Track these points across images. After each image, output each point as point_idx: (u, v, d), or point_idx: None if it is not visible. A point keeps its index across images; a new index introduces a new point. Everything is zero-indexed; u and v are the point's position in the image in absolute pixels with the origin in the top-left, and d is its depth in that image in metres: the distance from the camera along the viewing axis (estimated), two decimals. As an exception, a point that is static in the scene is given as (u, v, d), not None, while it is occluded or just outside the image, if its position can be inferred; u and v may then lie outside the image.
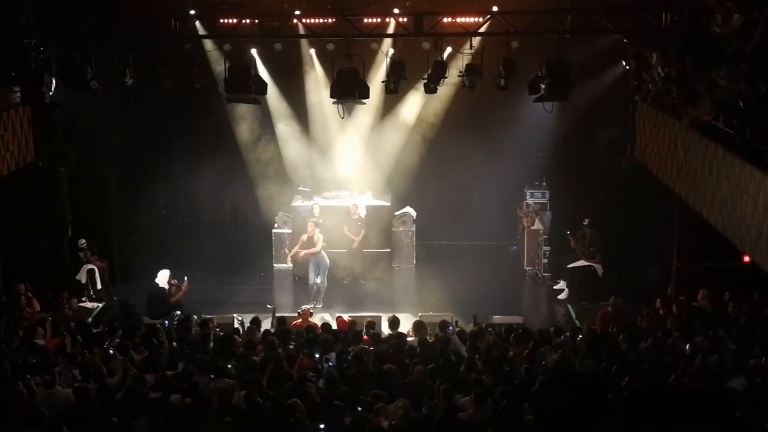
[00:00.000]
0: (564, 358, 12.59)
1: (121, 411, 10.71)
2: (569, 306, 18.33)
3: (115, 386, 11.65)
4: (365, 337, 14.17)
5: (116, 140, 19.54)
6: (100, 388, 11.39)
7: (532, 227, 20.51)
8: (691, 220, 15.61)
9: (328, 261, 18.76)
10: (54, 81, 16.58)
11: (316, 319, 16.56)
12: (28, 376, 11.61)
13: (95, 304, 18.15)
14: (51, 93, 16.56)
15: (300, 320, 15.61)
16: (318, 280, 18.62)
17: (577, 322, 16.71)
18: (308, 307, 16.72)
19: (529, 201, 20.76)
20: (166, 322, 15.36)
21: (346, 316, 15.81)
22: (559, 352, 12.97)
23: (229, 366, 12.49)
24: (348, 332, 14.48)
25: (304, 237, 18.73)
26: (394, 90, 17.65)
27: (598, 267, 18.59)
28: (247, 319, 15.40)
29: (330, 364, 12.66)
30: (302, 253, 18.73)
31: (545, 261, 20.32)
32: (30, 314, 15.93)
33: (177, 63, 17.60)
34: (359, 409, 10.84)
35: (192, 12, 17.22)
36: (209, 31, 17.85)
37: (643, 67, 16.55)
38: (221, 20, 17.72)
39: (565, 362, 12.47)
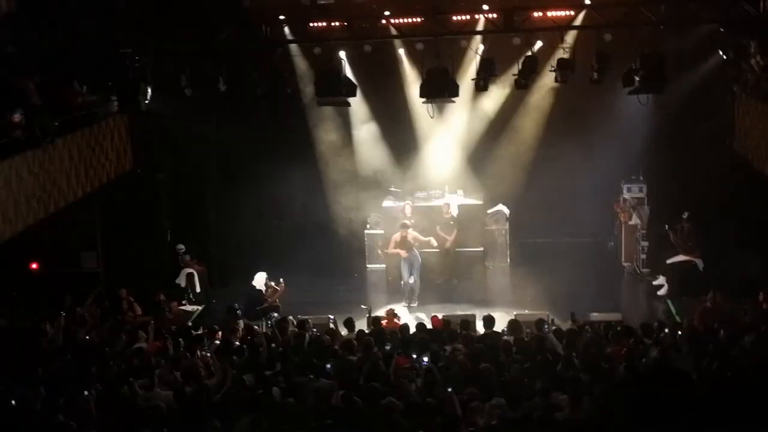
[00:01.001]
0: (664, 355, 12.32)
1: (221, 412, 10.86)
2: (669, 302, 17.93)
3: (215, 388, 11.83)
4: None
5: (211, 146, 19.91)
6: (199, 389, 11.57)
7: (630, 222, 20.12)
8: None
9: (420, 260, 18.78)
10: (149, 89, 16.97)
11: (412, 319, 16.56)
12: (131, 379, 11.89)
13: (195, 307, 18.51)
14: (147, 101, 16.96)
15: (386, 321, 15.59)
16: (411, 280, 18.65)
17: (677, 318, 16.35)
18: (394, 307, 16.77)
19: (626, 196, 20.37)
20: (266, 323, 15.58)
21: (440, 316, 15.77)
22: (658, 348, 12.71)
23: (327, 366, 12.57)
24: (443, 331, 14.43)
25: (397, 236, 18.77)
26: (484, 87, 17.55)
27: (699, 261, 18.17)
28: (341, 320, 15.48)
29: (425, 363, 12.63)
30: (392, 251, 18.81)
31: (644, 256, 19.94)
32: (132, 318, 16.36)
33: (268, 68, 17.80)
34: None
35: (282, 17, 17.40)
36: (299, 35, 18.02)
37: (741, 56, 16.13)
38: (311, 24, 17.87)
39: (665, 359, 12.19)
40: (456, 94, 16.97)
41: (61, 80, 16.50)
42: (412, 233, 18.78)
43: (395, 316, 16.15)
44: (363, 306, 17.63)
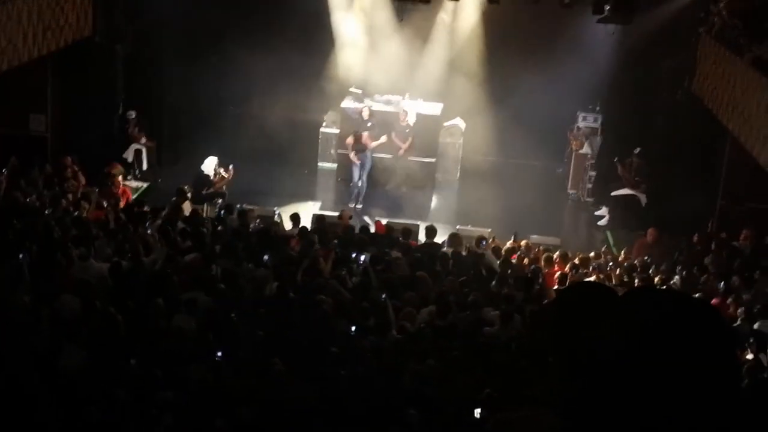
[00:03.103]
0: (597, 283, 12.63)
1: (148, 291, 10.92)
2: (608, 233, 18.26)
3: (149, 266, 11.88)
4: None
5: (176, 21, 19.48)
6: (134, 266, 11.61)
7: (580, 151, 20.30)
8: (741, 159, 15.39)
9: (371, 163, 18.90)
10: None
11: (356, 222, 16.71)
12: (70, 245, 11.90)
13: (140, 184, 18.40)
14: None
15: (342, 220, 15.69)
16: (359, 182, 18.78)
17: (614, 249, 16.68)
18: (350, 207, 16.87)
19: (581, 124, 20.52)
20: (210, 208, 15.61)
21: (384, 221, 15.91)
22: (593, 277, 13.03)
23: (266, 258, 12.68)
24: (384, 237, 14.60)
25: (350, 139, 18.82)
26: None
27: (642, 197, 18.46)
28: (287, 213, 15.53)
29: (362, 261, 12.78)
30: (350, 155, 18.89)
31: (590, 186, 20.19)
32: (75, 187, 16.21)
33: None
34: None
35: None
36: None
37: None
38: None
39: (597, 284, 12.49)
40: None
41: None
42: (366, 135, 18.79)
43: (351, 218, 16.23)
44: (310, 202, 17.68)
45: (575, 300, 2.66)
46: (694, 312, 2.17)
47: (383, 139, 19.24)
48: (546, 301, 11.85)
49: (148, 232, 13.24)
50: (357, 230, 14.65)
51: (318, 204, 18.67)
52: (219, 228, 14.17)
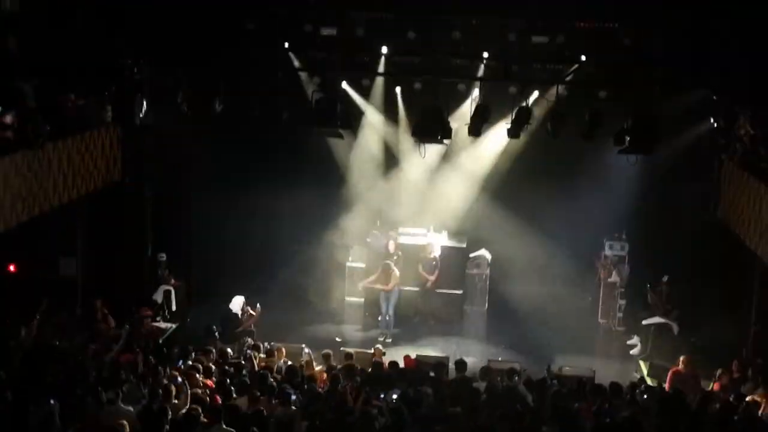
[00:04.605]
0: (633, 416, 12.35)
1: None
2: (641, 362, 17.99)
3: (177, 408, 11.78)
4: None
5: (202, 164, 19.90)
6: (162, 409, 11.51)
7: (609, 279, 20.23)
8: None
9: (398, 296, 19.04)
10: (145, 102, 16.99)
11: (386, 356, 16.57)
12: (100, 389, 11.85)
13: (169, 325, 18.42)
14: (142, 114, 16.97)
15: (375, 356, 15.55)
16: (388, 315, 18.77)
17: (648, 379, 16.39)
18: (381, 343, 16.83)
19: (608, 252, 20.50)
20: (239, 347, 15.59)
21: (413, 355, 15.78)
22: (628, 409, 12.76)
23: (293, 396, 12.55)
24: (415, 371, 14.45)
25: (379, 271, 18.92)
26: (477, 133, 17.64)
27: (674, 325, 18.25)
28: (315, 351, 15.47)
29: (394, 400, 12.61)
30: (377, 287, 18.90)
31: (620, 315, 20.03)
32: (105, 329, 16.27)
33: (267, 92, 17.80)
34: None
35: (286, 44, 17.47)
36: (301, 62, 18.07)
37: (732, 125, 16.29)
38: (313, 53, 17.92)
39: (634, 420, 12.22)
40: (448, 137, 17.04)
41: (59, 85, 16.51)
42: (394, 269, 18.89)
43: (384, 354, 16.09)
44: (338, 339, 17.65)
45: None
46: None
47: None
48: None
49: (177, 373, 13.16)
50: (387, 365, 14.51)
51: (346, 340, 18.58)
52: (246, 366, 14.09)
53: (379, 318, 19.11)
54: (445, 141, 17.35)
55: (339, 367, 14.33)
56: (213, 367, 13.88)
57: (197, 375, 13.19)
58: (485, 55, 17.13)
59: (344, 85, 18.78)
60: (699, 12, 15.68)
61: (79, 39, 16.09)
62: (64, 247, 18.21)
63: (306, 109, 17.25)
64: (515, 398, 13.15)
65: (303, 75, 18.38)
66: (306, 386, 13.17)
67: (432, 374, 14.26)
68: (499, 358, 16.54)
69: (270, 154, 20.71)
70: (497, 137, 19.58)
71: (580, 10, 16.33)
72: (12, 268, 17.82)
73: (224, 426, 11.05)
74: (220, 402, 12.10)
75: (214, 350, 14.82)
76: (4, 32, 15.39)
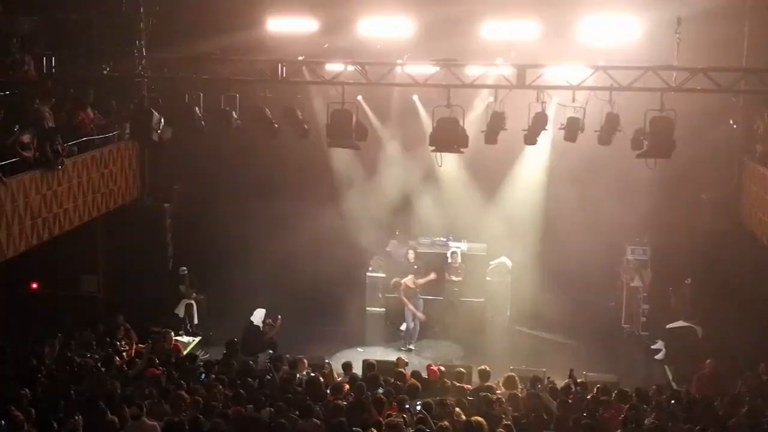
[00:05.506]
0: (659, 422, 12.25)
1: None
2: (666, 367, 17.86)
3: (203, 422, 11.79)
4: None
5: (220, 178, 19.97)
6: (186, 423, 11.52)
7: (632, 284, 20.11)
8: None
9: (422, 304, 19.06)
10: (162, 119, 17.04)
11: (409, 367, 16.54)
12: (124, 405, 11.88)
13: (191, 339, 18.48)
14: (159, 131, 17.02)
15: (399, 366, 15.52)
16: (412, 325, 18.78)
17: (674, 384, 16.27)
18: (404, 353, 16.78)
19: (630, 257, 20.37)
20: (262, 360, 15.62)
21: (435, 366, 15.71)
22: (653, 415, 12.65)
23: (317, 408, 12.53)
24: (437, 381, 14.40)
25: (402, 284, 18.98)
26: (493, 141, 17.57)
27: (698, 328, 18.11)
28: (336, 362, 15.46)
29: (418, 410, 12.57)
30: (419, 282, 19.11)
31: (644, 319, 19.90)
32: (127, 345, 16.34)
33: (283, 107, 17.84)
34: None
35: (300, 58, 17.49)
36: (314, 76, 18.10)
37: (751, 126, 16.19)
38: (326, 66, 17.94)
39: (660, 426, 12.12)
40: (465, 145, 16.94)
41: (76, 104, 16.63)
42: (416, 280, 18.97)
43: (407, 365, 16.05)
44: (359, 349, 17.64)
45: None
46: None
47: (432, 275, 19.26)
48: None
49: (200, 386, 13.18)
50: (410, 376, 14.47)
51: (368, 349, 18.56)
52: (269, 379, 14.09)
53: (401, 327, 19.08)
54: (462, 150, 17.29)
55: (361, 377, 14.29)
56: (236, 380, 13.90)
57: (220, 387, 13.21)
58: (499, 61, 17.10)
59: (359, 98, 18.78)
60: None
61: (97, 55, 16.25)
62: (85, 265, 18.36)
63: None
64: (539, 406, 13.06)
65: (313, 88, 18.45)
66: (328, 397, 13.15)
67: (455, 383, 14.20)
68: (523, 366, 16.45)
69: (288, 167, 20.73)
70: (514, 145, 19.50)
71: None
72: (34, 286, 17.96)
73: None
74: (243, 414, 12.10)
75: (236, 363, 14.84)
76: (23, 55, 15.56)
